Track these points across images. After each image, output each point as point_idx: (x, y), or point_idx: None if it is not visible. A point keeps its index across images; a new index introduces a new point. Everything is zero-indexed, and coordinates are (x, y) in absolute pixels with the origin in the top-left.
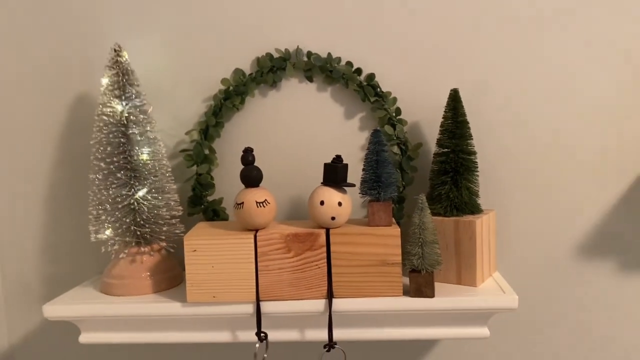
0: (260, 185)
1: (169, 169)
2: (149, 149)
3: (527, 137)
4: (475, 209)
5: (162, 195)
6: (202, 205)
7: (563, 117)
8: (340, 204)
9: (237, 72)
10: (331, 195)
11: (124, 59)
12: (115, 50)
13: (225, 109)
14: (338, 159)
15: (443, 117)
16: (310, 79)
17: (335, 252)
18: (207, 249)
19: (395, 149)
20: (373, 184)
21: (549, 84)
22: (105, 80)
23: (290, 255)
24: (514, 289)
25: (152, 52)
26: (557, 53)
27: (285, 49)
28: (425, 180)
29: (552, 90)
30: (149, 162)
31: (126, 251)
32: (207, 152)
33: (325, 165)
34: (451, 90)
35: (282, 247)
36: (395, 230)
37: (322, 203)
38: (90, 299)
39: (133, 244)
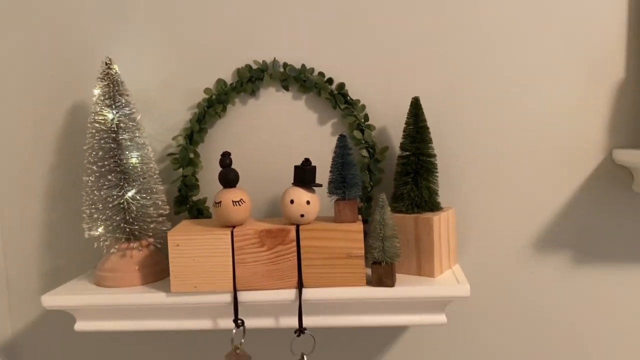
0: (237, 185)
1: (157, 172)
2: (138, 153)
3: (484, 139)
4: (435, 207)
5: (150, 196)
6: (188, 204)
7: (517, 119)
8: (308, 202)
9: (219, 82)
10: (300, 195)
11: (114, 71)
12: (106, 64)
13: (208, 116)
14: (307, 162)
15: (405, 123)
16: (286, 88)
17: (304, 247)
18: (189, 244)
19: (364, 152)
20: (339, 184)
21: (504, 88)
22: (97, 91)
23: (264, 249)
24: (473, 281)
25: (141, 65)
26: (512, 60)
27: (263, 61)
28: (391, 181)
29: (507, 94)
30: (137, 165)
31: (117, 247)
32: (192, 155)
33: (296, 167)
34: (412, 99)
35: (257, 242)
36: (359, 226)
37: (292, 202)
38: (85, 290)
39: (123, 240)
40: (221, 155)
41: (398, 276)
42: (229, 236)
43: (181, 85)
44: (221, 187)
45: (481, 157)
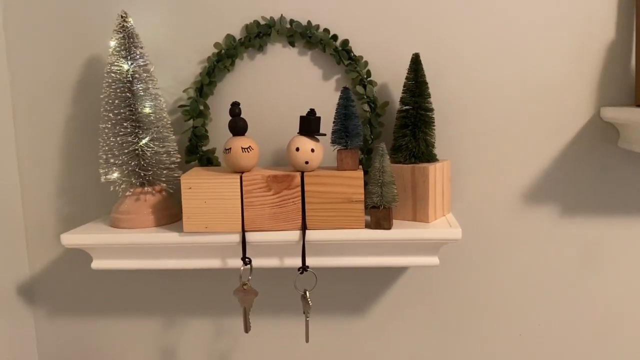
0: (245, 134)
1: (169, 122)
2: (151, 103)
3: (479, 95)
4: (431, 158)
5: (163, 144)
6: (198, 154)
7: (511, 77)
8: (313, 150)
9: (229, 37)
10: (305, 143)
11: (130, 24)
12: (122, 17)
13: (217, 70)
14: (312, 112)
15: (405, 78)
16: (292, 44)
17: (308, 191)
18: (201, 187)
19: (366, 107)
20: (342, 134)
21: (498, 47)
22: (113, 43)
23: (270, 193)
24: (465, 228)
25: (154, 20)
26: (507, 19)
27: (271, 17)
28: (391, 134)
29: (501, 52)
30: (151, 114)
31: (131, 190)
32: (201, 107)
33: (301, 117)
34: (412, 55)
35: (264, 187)
36: (359, 173)
37: (297, 149)
38: (102, 230)
39: (137, 184)
40: (231, 104)
41: (395, 221)
42: (238, 181)
43: (192, 40)
44: (230, 136)
45: (476, 112)
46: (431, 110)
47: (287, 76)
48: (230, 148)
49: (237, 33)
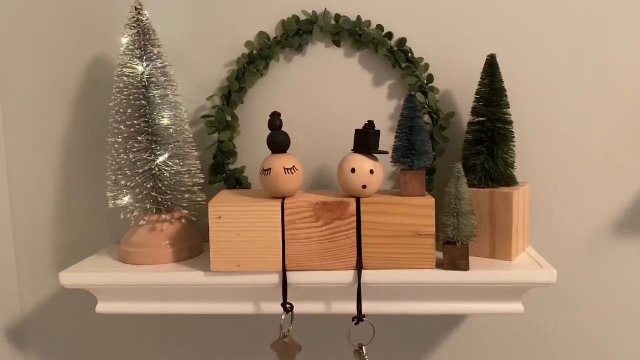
0: (287, 152)
1: (191, 135)
2: (171, 113)
3: (568, 106)
4: (510, 181)
5: (184, 162)
6: (224, 173)
7: (604, 82)
8: (372, 172)
9: (261, 35)
10: (363, 163)
11: (145, 18)
12: (136, 8)
13: (249, 74)
14: (370, 124)
15: (479, 84)
16: (337, 44)
17: (365, 222)
18: (233, 216)
19: (427, 119)
20: (406, 152)
21: (590, 49)
22: (125, 40)
23: (318, 224)
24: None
25: (173, 13)
26: (595, 12)
27: (313, 11)
28: (456, 152)
29: (595, 55)
30: (170, 126)
31: (146, 219)
32: (229, 118)
33: (357, 131)
34: (488, 56)
35: (311, 216)
36: (430, 200)
37: (353, 171)
38: (109, 267)
39: (154, 211)
40: (270, 115)
41: (470, 259)
42: (280, 208)
43: (217, 38)
44: (264, 154)
45: (560, 125)
46: (510, 123)
47: (331, 82)
48: (270, 169)
49: (272, 31)
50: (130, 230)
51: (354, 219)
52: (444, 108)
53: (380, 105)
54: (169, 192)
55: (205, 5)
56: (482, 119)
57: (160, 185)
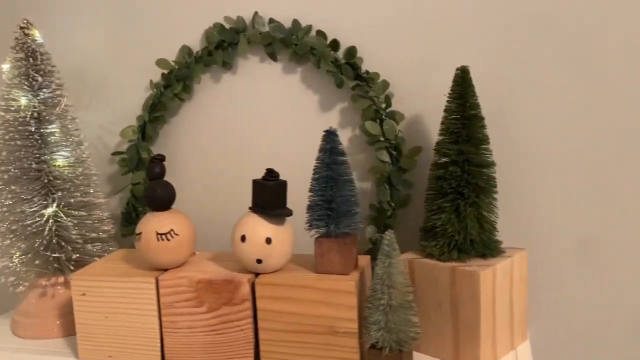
0: (172, 207)
1: (94, 177)
2: (67, 153)
3: (564, 134)
4: (490, 250)
5: (88, 210)
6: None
7: (609, 103)
8: (269, 240)
9: (183, 50)
10: (256, 229)
11: (33, 39)
12: (21, 28)
13: (165, 100)
14: (271, 174)
15: (445, 110)
16: (273, 57)
17: (262, 310)
18: (99, 293)
19: (384, 155)
20: (322, 212)
21: (586, 57)
22: (5, 66)
23: (202, 309)
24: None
25: (85, 29)
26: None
27: (238, 17)
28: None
29: (590, 67)
30: (65, 168)
31: (33, 282)
32: (144, 155)
33: (254, 183)
34: (457, 70)
35: (193, 298)
36: (348, 283)
37: (242, 239)
38: None
39: (42, 272)
40: (150, 160)
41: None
42: (154, 286)
43: (137, 56)
44: (199, 198)
45: (560, 163)
46: (490, 165)
47: (266, 106)
48: (140, 233)
49: (197, 44)
50: (25, 295)
51: (249, 304)
52: (409, 140)
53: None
54: (68, 247)
55: (123, 18)
56: (446, 159)
57: (53, 241)
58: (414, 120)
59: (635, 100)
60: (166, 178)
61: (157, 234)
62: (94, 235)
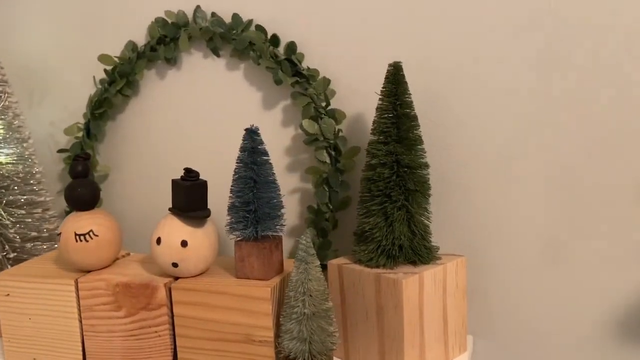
0: (95, 208)
1: (39, 175)
2: (9, 150)
3: (512, 137)
4: (420, 256)
5: (23, 210)
6: None
7: (556, 98)
8: (184, 243)
9: (128, 45)
10: (172, 231)
11: None
12: None
13: (109, 96)
14: (189, 173)
15: (376, 109)
16: (215, 52)
17: (179, 316)
18: (22, 294)
19: (323, 156)
20: (241, 215)
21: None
22: None
23: (121, 313)
24: None
25: (35, 23)
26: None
27: (179, 11)
28: None
29: (538, 60)
30: (7, 165)
31: None
32: (90, 152)
33: (173, 183)
34: (390, 66)
35: (111, 302)
36: (264, 290)
37: (158, 241)
38: None
39: None
40: (73, 158)
41: None
42: (73, 287)
43: (85, 51)
44: (148, 199)
45: (501, 163)
46: (423, 166)
47: (209, 103)
48: (60, 233)
49: (142, 39)
50: None
51: (166, 309)
52: (352, 141)
53: (271, 135)
54: (6, 246)
55: (71, 11)
56: (376, 161)
57: None
58: (357, 118)
59: (575, 95)
60: (112, 177)
61: (76, 234)
62: (34, 234)
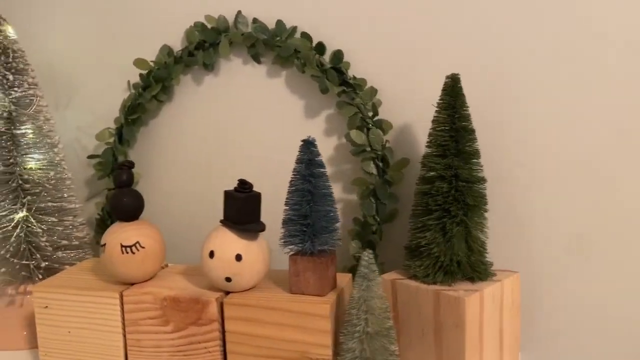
0: (139, 218)
1: (69, 181)
2: (40, 155)
3: (564, 145)
4: (478, 273)
5: (54, 217)
6: None
7: (615, 108)
8: (239, 257)
9: (163, 50)
10: (225, 244)
11: (6, 35)
12: None
13: (144, 101)
14: (243, 185)
15: (433, 121)
16: (256, 59)
17: (231, 333)
18: (62, 307)
19: (370, 167)
20: (297, 228)
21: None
22: None
23: (168, 328)
24: None
25: (61, 26)
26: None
27: (220, 16)
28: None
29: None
30: (36, 171)
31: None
32: (122, 158)
33: (225, 194)
34: (447, 78)
35: (158, 316)
36: (324, 306)
37: (211, 255)
38: None
39: (10, 281)
40: (117, 167)
41: None
42: (118, 301)
43: (116, 55)
44: (176, 205)
45: (556, 180)
46: (480, 180)
47: (249, 111)
48: (104, 244)
49: (178, 43)
50: None
51: (217, 325)
52: (397, 152)
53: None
54: (37, 254)
55: (104, 13)
56: (433, 173)
57: (22, 247)
58: (403, 130)
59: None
60: (143, 184)
61: (122, 246)
62: (65, 242)
